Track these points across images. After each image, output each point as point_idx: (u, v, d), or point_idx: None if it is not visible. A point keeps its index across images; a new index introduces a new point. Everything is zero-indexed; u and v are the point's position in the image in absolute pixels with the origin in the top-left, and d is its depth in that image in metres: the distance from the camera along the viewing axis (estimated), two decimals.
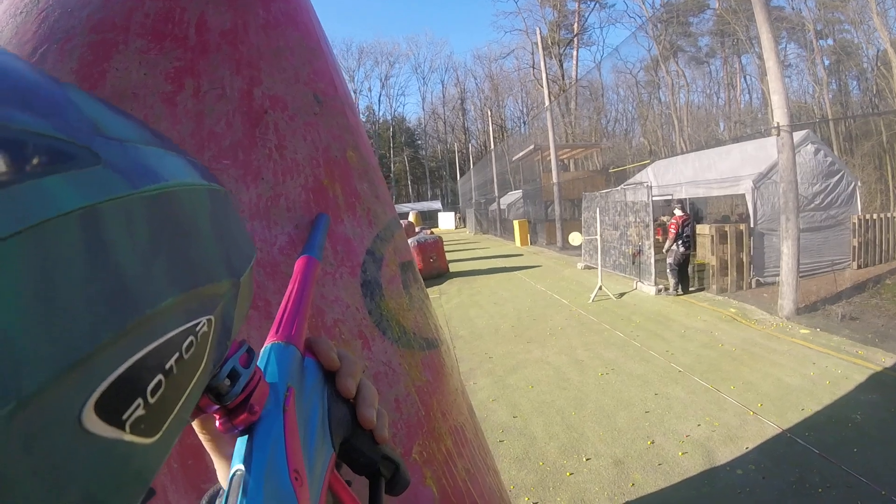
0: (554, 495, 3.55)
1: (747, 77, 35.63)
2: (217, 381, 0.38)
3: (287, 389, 0.44)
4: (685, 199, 11.55)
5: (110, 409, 0.22)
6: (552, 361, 6.37)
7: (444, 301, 11.21)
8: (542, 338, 7.54)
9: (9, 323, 0.17)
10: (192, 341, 0.29)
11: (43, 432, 0.19)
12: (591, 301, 9.69)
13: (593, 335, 7.42)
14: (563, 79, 51.19)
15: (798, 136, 9.15)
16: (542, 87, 24.61)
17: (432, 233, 20.12)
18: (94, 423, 0.21)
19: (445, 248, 16.33)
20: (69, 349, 0.20)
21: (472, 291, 12.21)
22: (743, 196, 10.11)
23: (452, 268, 16.27)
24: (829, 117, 26.45)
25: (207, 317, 0.31)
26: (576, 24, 52.73)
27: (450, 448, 1.19)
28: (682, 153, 17.78)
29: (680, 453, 3.89)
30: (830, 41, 30.25)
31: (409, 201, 69.49)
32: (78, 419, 0.20)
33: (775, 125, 7.62)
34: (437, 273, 14.97)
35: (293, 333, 0.51)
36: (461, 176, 57.15)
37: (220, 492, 0.48)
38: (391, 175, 74.95)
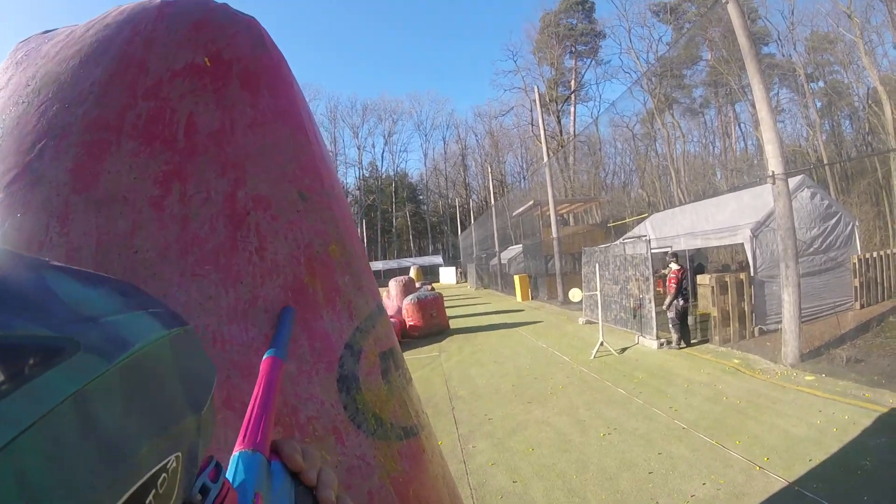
0: None
1: (742, 125, 36.49)
2: (190, 496, 0.41)
3: (254, 496, 0.48)
4: (680, 250, 11.61)
5: None
6: (553, 422, 6.27)
7: (444, 359, 11.10)
8: (544, 397, 7.44)
9: (39, 494, 0.23)
10: (164, 477, 0.33)
11: None
12: (592, 357, 9.60)
13: (595, 393, 7.33)
14: (562, 134, 52.35)
15: (794, 181, 9.32)
16: (541, 142, 25.06)
17: (433, 288, 20.08)
18: None
19: (446, 304, 16.25)
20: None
21: (472, 349, 12.10)
22: (742, 245, 10.17)
23: (453, 324, 16.15)
24: (824, 160, 26.85)
25: (175, 454, 0.35)
26: (573, 81, 54.44)
27: None
28: (681, 204, 18.00)
29: None
30: (822, 83, 31.02)
31: (411, 255, 69.58)
32: None
33: (770, 174, 7.74)
34: (438, 330, 14.85)
35: (259, 440, 0.55)
36: (462, 231, 57.54)
37: None
38: (393, 230, 75.37)
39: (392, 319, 14.14)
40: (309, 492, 0.55)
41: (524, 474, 4.87)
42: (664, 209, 17.70)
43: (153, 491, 0.32)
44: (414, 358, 11.61)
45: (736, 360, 8.17)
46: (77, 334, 0.29)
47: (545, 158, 22.71)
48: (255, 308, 1.11)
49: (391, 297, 17.26)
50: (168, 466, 0.34)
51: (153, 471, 0.32)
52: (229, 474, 0.50)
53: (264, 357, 0.78)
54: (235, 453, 0.54)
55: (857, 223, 10.96)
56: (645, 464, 4.77)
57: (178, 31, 1.23)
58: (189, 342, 0.43)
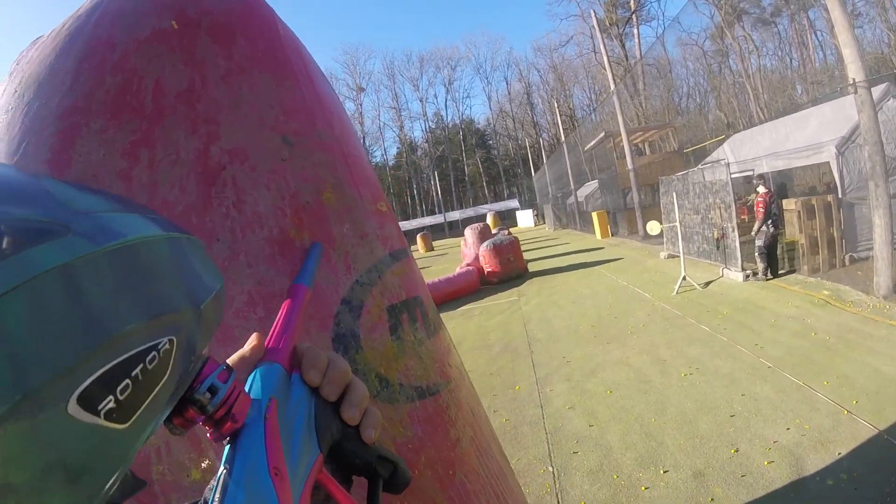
0: None
1: (818, 33, 33.19)
2: (198, 394, 0.44)
3: (269, 401, 0.50)
4: (766, 173, 10.77)
5: (89, 402, 0.31)
6: (633, 362, 6.09)
7: (524, 303, 11.09)
8: (623, 337, 7.24)
9: (16, 346, 0.27)
10: (154, 356, 0.37)
11: (40, 416, 0.28)
12: (674, 293, 9.22)
13: (677, 331, 7.04)
14: (627, 59, 49.13)
15: (878, 91, 8.27)
16: (606, 70, 23.83)
17: (509, 233, 19.89)
18: (77, 411, 0.30)
19: (524, 248, 16.14)
20: (57, 360, 0.29)
21: (551, 291, 11.97)
22: (828, 164, 9.29)
23: (532, 267, 16.09)
24: None
25: (169, 338, 0.39)
26: (632, 1, 50.73)
27: None
28: (760, 122, 16.79)
29: (766, 462, 3.56)
30: None
31: (487, 202, 69.55)
32: (65, 407, 0.29)
33: (851, 81, 6.93)
34: (517, 274, 14.79)
35: (278, 353, 0.57)
36: (535, 171, 56.39)
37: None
38: (466, 178, 75.28)
39: (469, 267, 14.32)
40: (331, 409, 0.55)
41: (601, 417, 4.77)
42: (744, 129, 16.50)
43: (140, 366, 0.35)
44: (493, 303, 11.71)
45: (825, 292, 7.54)
46: (67, 220, 0.33)
47: (612, 86, 21.63)
48: (236, 264, 1.07)
49: (468, 245, 17.35)
50: (160, 347, 0.38)
51: (142, 348, 0.36)
52: (248, 386, 0.52)
53: (292, 284, 0.77)
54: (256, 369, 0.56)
55: None
56: (727, 406, 4.52)
57: (142, 1, 1.19)
58: (191, 248, 0.47)
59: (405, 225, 62.90)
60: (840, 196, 8.76)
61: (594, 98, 61.23)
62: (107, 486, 0.33)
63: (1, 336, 0.27)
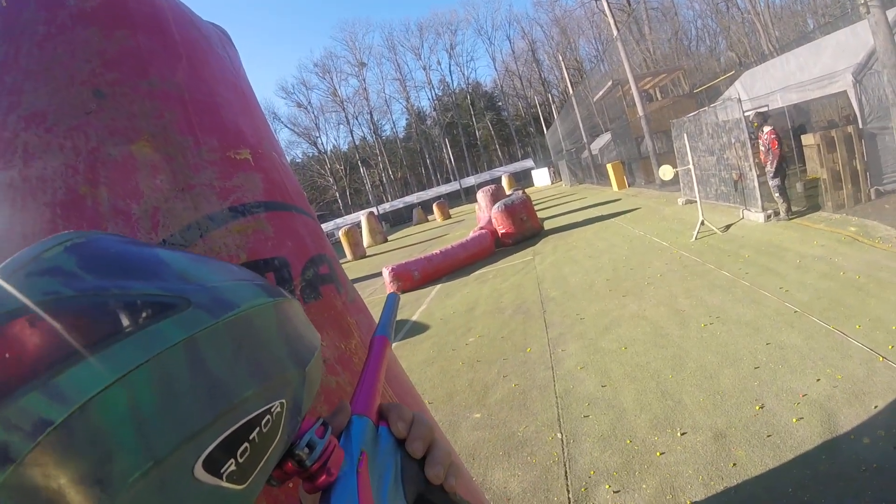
0: (639, 481, 3.08)
1: None
2: (297, 449, 0.45)
3: (360, 454, 0.50)
4: (777, 108, 10.13)
5: (213, 465, 0.33)
6: (649, 315, 5.79)
7: (538, 262, 10.86)
8: (640, 289, 6.93)
9: (148, 416, 0.30)
10: (268, 419, 0.38)
11: (169, 480, 0.31)
12: (693, 239, 8.85)
13: (696, 279, 6.69)
14: (630, 4, 47.51)
15: (893, 13, 7.66)
16: (606, 15, 22.84)
17: (524, 192, 19.50)
18: (202, 474, 0.33)
19: (540, 206, 15.83)
20: (184, 429, 0.31)
21: (567, 247, 11.70)
22: (845, 94, 8.72)
23: (548, 224, 15.86)
24: None
25: (280, 400, 0.40)
26: None
27: None
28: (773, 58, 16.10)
29: (794, 419, 3.22)
30: None
31: (501, 164, 68.68)
32: (192, 471, 0.32)
33: (862, 1, 6.41)
34: (531, 233, 14.56)
35: (367, 406, 0.57)
36: (548, 129, 55.35)
37: None
38: (478, 143, 74.31)
39: (483, 230, 14.01)
40: (416, 463, 0.55)
41: (615, 377, 4.51)
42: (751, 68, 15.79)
43: (257, 429, 0.37)
44: (508, 265, 11.55)
45: (852, 228, 7.04)
46: (188, 293, 0.35)
47: (614, 32, 20.74)
48: (13, 234, 0.98)
49: (482, 209, 17.12)
50: (272, 410, 0.39)
51: (258, 412, 0.37)
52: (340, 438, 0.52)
53: (373, 336, 0.73)
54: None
55: None
56: (750, 357, 4.18)
57: None
58: (293, 313, 0.47)
59: (422, 195, 62.50)
60: (861, 127, 8.20)
61: (601, 49, 59.25)
62: None
63: (132, 407, 0.29)
